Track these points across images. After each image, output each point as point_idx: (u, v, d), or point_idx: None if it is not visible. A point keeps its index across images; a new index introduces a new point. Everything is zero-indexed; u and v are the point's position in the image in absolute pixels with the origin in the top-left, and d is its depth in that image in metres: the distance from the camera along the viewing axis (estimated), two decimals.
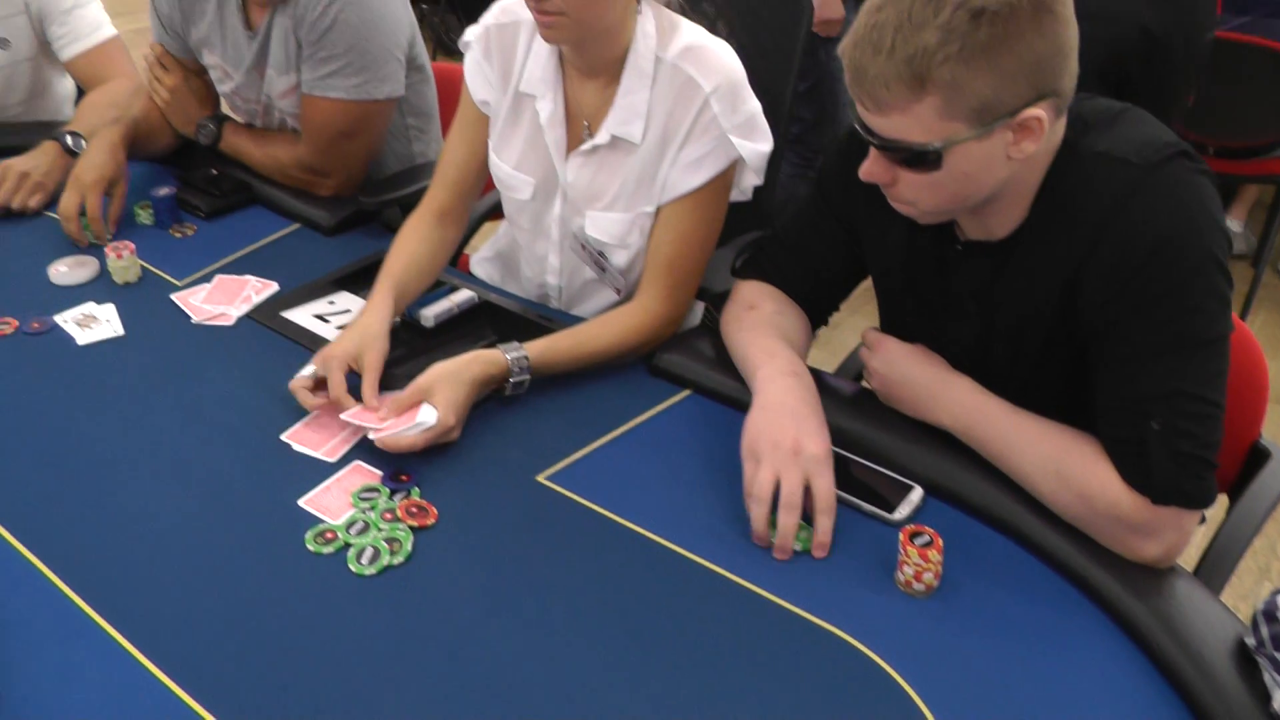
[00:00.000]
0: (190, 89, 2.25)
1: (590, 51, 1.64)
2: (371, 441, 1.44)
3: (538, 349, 1.56)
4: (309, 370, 1.55)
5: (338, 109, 2.06)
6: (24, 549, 1.32)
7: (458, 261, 2.18)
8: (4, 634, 1.20)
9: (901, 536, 1.25)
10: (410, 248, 1.77)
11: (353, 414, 1.47)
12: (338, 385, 1.50)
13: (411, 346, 1.68)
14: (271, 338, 1.74)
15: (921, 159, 1.24)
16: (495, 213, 2.29)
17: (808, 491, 1.31)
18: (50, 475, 1.45)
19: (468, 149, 1.82)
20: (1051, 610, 1.23)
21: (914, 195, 1.30)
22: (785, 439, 1.33)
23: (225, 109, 2.33)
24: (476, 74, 1.78)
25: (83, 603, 1.24)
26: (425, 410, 1.43)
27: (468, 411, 1.48)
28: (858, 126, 1.28)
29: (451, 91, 2.33)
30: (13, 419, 1.56)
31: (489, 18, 1.76)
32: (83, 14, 2.45)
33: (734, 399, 1.55)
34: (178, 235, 2.08)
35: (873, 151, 1.29)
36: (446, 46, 6.00)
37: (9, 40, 2.44)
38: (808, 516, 1.31)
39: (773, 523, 1.31)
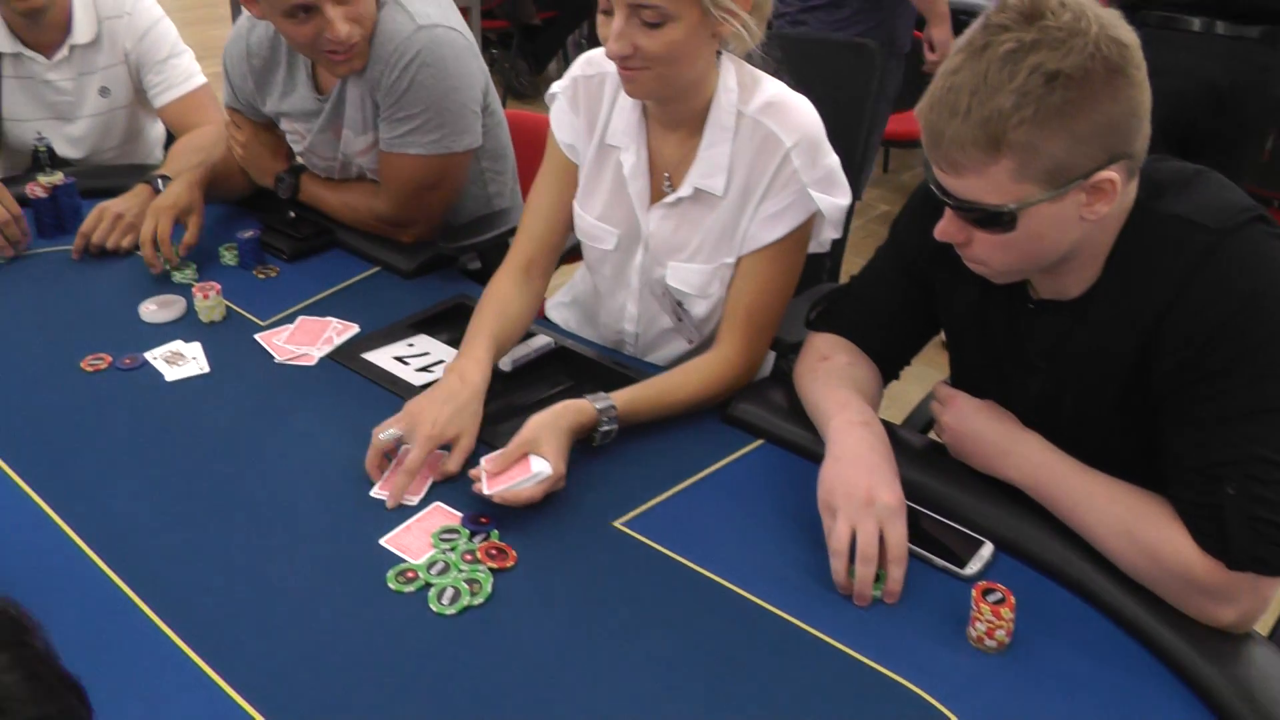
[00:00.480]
0: (263, 143, 2.32)
1: (673, 105, 1.68)
2: (450, 482, 1.48)
3: (624, 399, 1.59)
4: (391, 433, 1.54)
5: (417, 164, 2.11)
6: (116, 578, 1.36)
7: None
8: (97, 662, 1.23)
9: (974, 593, 1.25)
10: (501, 308, 1.78)
11: (494, 486, 1.45)
12: (414, 462, 1.50)
13: (490, 390, 1.72)
14: (352, 378, 1.78)
15: (996, 220, 1.26)
16: (570, 257, 2.34)
17: (882, 541, 1.33)
18: (142, 507, 1.50)
19: (553, 200, 1.85)
20: (1124, 673, 1.23)
21: (988, 255, 1.32)
22: (859, 490, 1.36)
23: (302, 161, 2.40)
24: (564, 123, 1.82)
25: (170, 631, 1.28)
26: (537, 462, 1.45)
27: (567, 461, 1.50)
28: (932, 186, 1.31)
29: (522, 137, 2.40)
30: (106, 452, 1.62)
31: (575, 70, 1.81)
32: (176, 63, 2.56)
33: (807, 450, 1.57)
34: (261, 276, 2.14)
35: (948, 211, 1.32)
36: (517, 91, 6.09)
37: (109, 88, 2.56)
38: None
39: (851, 572, 1.33)
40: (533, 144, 2.36)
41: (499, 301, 1.79)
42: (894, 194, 5.07)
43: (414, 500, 1.49)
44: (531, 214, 1.87)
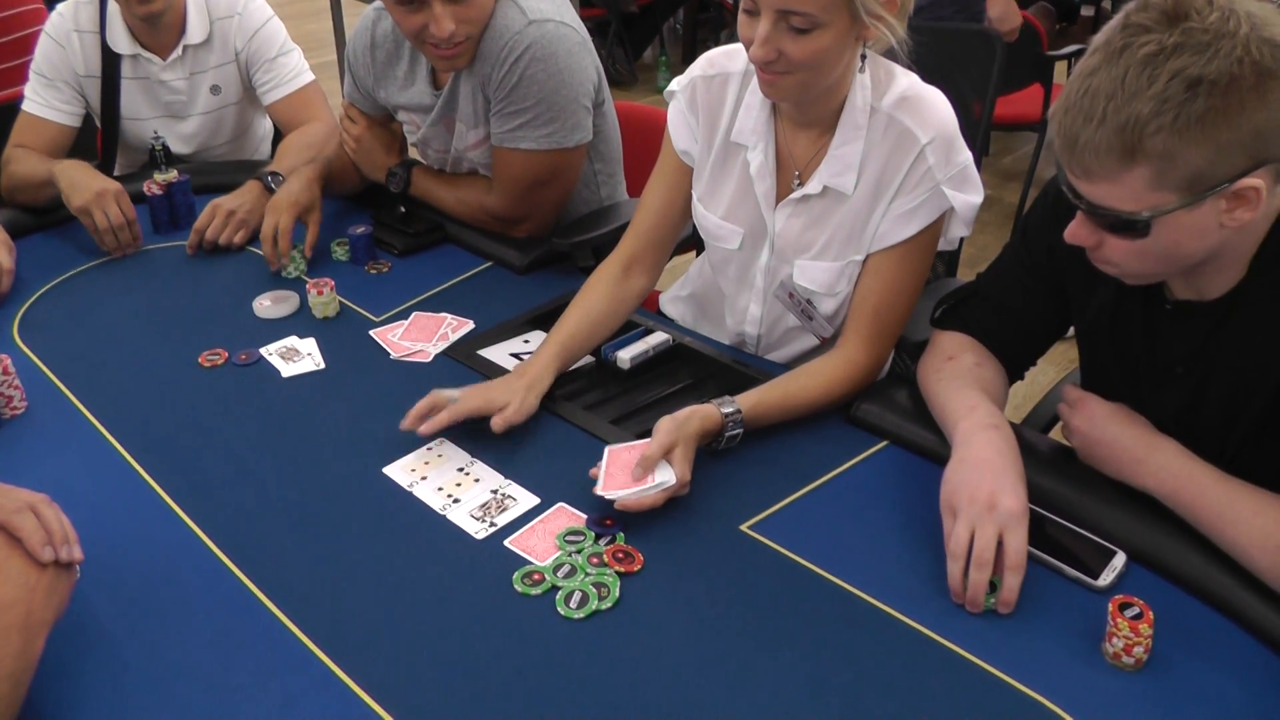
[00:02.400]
0: (376, 138, 2.36)
1: (809, 105, 1.67)
2: (573, 484, 1.50)
3: (749, 403, 1.59)
4: (451, 393, 1.64)
5: (529, 160, 2.13)
6: (241, 573, 1.40)
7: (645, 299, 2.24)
8: (226, 658, 1.28)
9: (1110, 607, 1.23)
10: (588, 304, 1.82)
11: (611, 488, 1.48)
12: (454, 413, 1.61)
13: (607, 388, 1.74)
14: (468, 375, 1.80)
15: (1129, 227, 1.24)
16: (683, 248, 2.35)
17: (1001, 548, 1.31)
18: (264, 504, 1.53)
19: (664, 198, 1.87)
20: (1273, 696, 1.20)
21: (1119, 259, 1.30)
22: (981, 493, 1.34)
23: (415, 155, 2.44)
24: (680, 125, 1.83)
25: (297, 629, 1.31)
26: (661, 469, 1.47)
27: (692, 466, 1.51)
28: (1064, 189, 1.29)
29: (624, 127, 2.40)
30: (227, 447, 1.66)
31: (695, 70, 1.81)
32: (285, 61, 2.63)
33: (932, 452, 1.56)
34: (373, 272, 2.18)
35: (1079, 215, 1.30)
36: (614, 79, 6.13)
37: (220, 87, 2.63)
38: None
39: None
40: (630, 133, 2.38)
41: (585, 305, 1.82)
42: (995, 178, 5.02)
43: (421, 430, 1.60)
44: (641, 210, 1.89)
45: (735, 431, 1.56)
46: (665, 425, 1.50)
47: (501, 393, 1.66)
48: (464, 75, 2.14)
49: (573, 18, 2.14)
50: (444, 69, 2.13)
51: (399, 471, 1.58)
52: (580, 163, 2.23)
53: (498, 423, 1.62)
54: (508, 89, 2.07)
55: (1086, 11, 5.88)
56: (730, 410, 1.56)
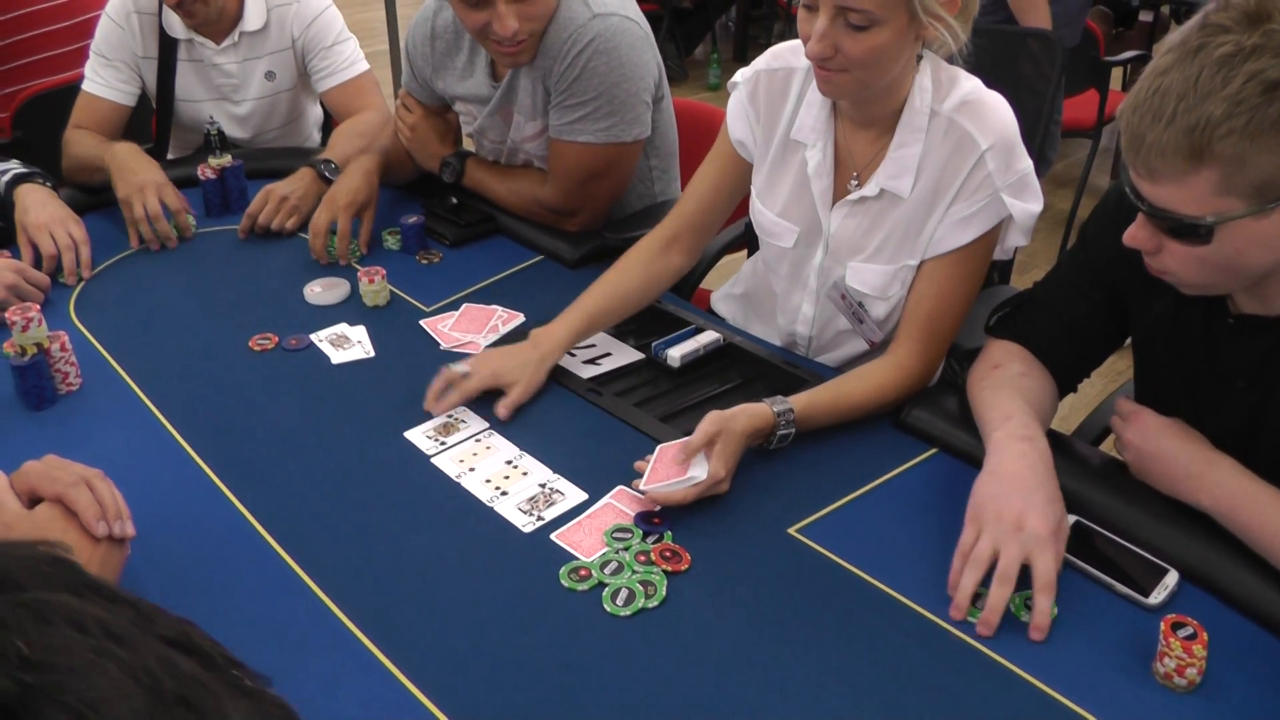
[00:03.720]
0: (431, 127, 2.38)
1: (867, 105, 1.67)
2: (620, 477, 1.51)
3: (801, 403, 1.58)
4: (461, 368, 1.71)
5: (587, 153, 2.14)
6: (289, 557, 1.42)
7: (693, 295, 2.24)
8: (271, 639, 1.29)
9: (1163, 626, 1.22)
10: (619, 278, 1.86)
11: (653, 482, 1.48)
12: (464, 392, 1.68)
13: (657, 385, 1.74)
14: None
15: (1191, 232, 1.22)
16: (734, 246, 2.35)
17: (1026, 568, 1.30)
18: (313, 489, 1.55)
19: (713, 183, 1.89)
20: None
21: (1178, 267, 1.28)
22: (1009, 512, 1.33)
23: (469, 145, 2.45)
24: (739, 115, 1.83)
25: (343, 615, 1.32)
26: (697, 463, 1.47)
27: (736, 465, 1.51)
28: (1127, 189, 1.27)
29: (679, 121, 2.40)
30: (277, 431, 1.68)
31: (760, 63, 1.82)
32: (341, 50, 2.65)
33: (981, 460, 1.53)
34: (424, 262, 2.19)
35: (1140, 217, 1.28)
36: (666, 74, 6.14)
37: (275, 73, 2.67)
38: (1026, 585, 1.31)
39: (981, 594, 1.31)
40: (681, 130, 2.39)
41: (616, 279, 1.87)
42: (1047, 184, 4.96)
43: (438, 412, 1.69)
44: (689, 192, 1.91)
45: (787, 431, 1.56)
46: (711, 416, 1.51)
47: (511, 368, 1.71)
48: (525, 68, 2.15)
49: (636, 12, 2.15)
50: (506, 65, 2.15)
51: (447, 462, 1.59)
52: (636, 158, 2.24)
53: (503, 410, 1.67)
54: (569, 82, 2.08)
55: (1145, 17, 5.81)
56: (782, 409, 1.56)
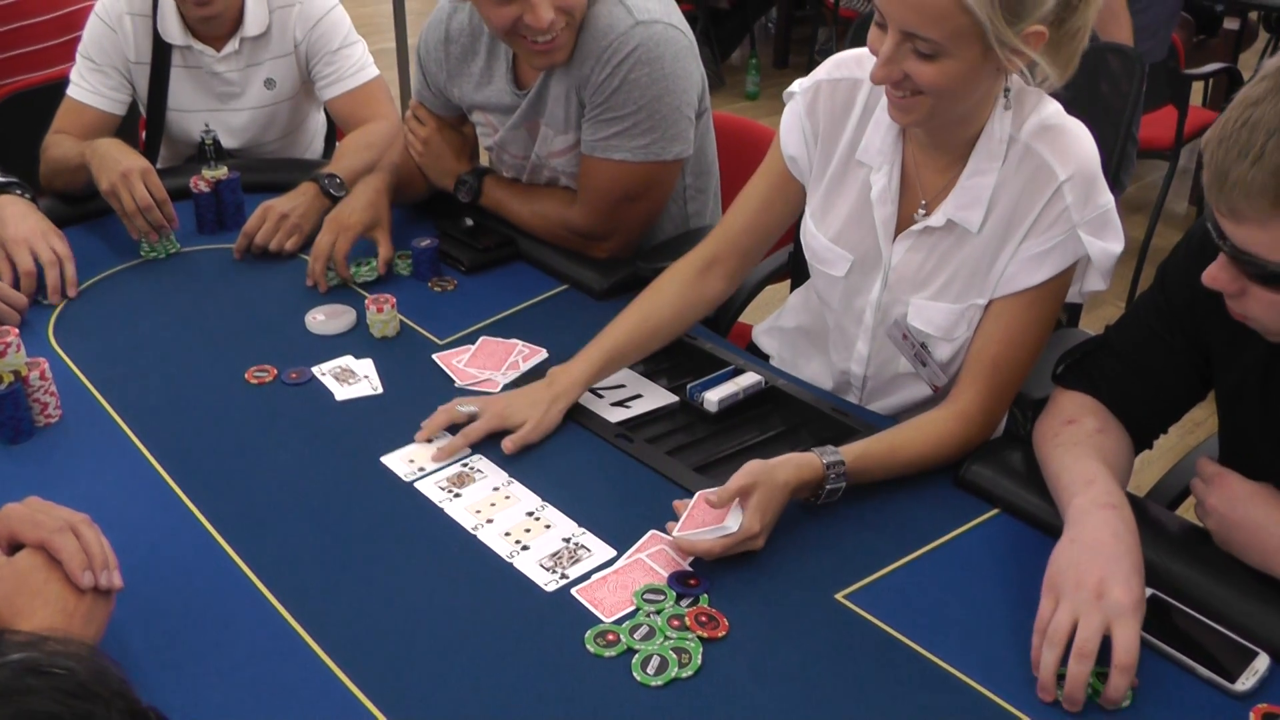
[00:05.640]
0: (445, 141, 2.41)
1: (942, 131, 1.69)
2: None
3: (853, 454, 1.59)
4: (469, 409, 1.75)
5: (622, 171, 2.16)
6: (284, 610, 1.43)
7: (731, 330, 2.26)
8: (271, 705, 1.31)
9: (1253, 717, 1.23)
10: (651, 305, 1.89)
11: (685, 530, 1.51)
12: (469, 436, 1.72)
13: (692, 431, 1.76)
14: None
15: (1277, 279, 1.23)
16: (777, 276, 2.37)
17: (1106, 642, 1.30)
18: (313, 538, 1.57)
19: (761, 200, 1.91)
20: None
21: (1262, 314, 1.30)
22: (1090, 580, 1.33)
23: (486, 161, 2.48)
24: (794, 129, 1.85)
25: (346, 678, 1.34)
26: (733, 514, 1.49)
27: (776, 520, 1.53)
28: (1209, 226, 1.29)
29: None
30: (274, 474, 1.70)
31: (821, 72, 1.83)
32: (349, 54, 2.68)
33: (1048, 524, 1.56)
34: (437, 289, 2.22)
35: (1222, 256, 1.29)
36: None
37: (275, 80, 2.70)
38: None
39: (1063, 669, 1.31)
40: (718, 145, 2.41)
41: (647, 307, 1.90)
42: (1120, 209, 4.94)
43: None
44: (735, 209, 1.93)
45: (836, 485, 1.58)
46: (750, 466, 1.52)
47: (521, 408, 1.75)
48: (556, 75, 2.18)
49: (680, 20, 2.17)
50: (540, 65, 2.16)
51: (463, 513, 1.61)
52: (675, 179, 2.26)
53: (509, 445, 1.71)
54: (607, 93, 2.11)
55: (1230, 24, 5.73)
56: (833, 460, 1.57)
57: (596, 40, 2.09)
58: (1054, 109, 1.67)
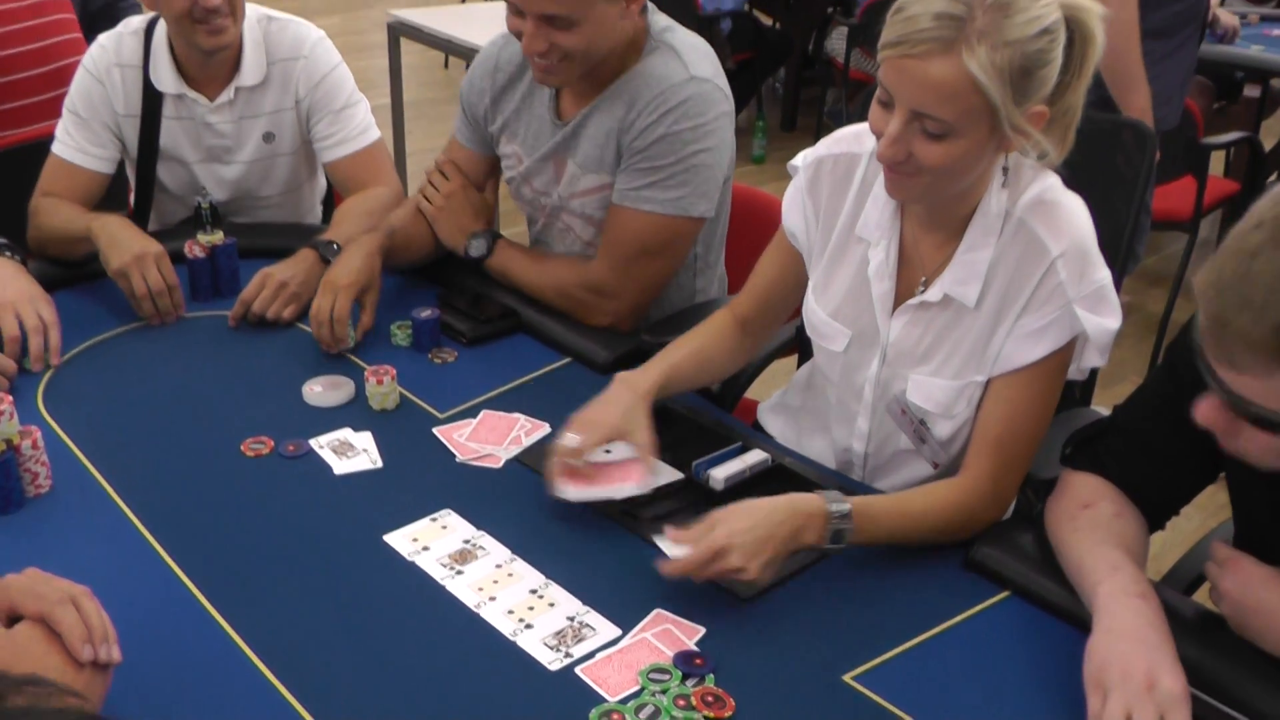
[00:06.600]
0: (467, 199, 2.48)
1: (939, 207, 1.76)
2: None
3: (858, 500, 1.65)
4: (574, 441, 1.80)
5: (648, 223, 2.24)
6: (285, 690, 1.47)
7: (736, 406, 2.32)
8: None
9: None
10: (704, 341, 2.00)
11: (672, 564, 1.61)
12: (582, 451, 1.79)
13: (698, 509, 1.80)
14: (543, 485, 1.84)
15: (1273, 426, 1.27)
16: (783, 351, 2.43)
17: None
18: (312, 616, 1.61)
19: (778, 271, 2.01)
20: None
21: (1258, 453, 1.33)
22: (1137, 670, 1.37)
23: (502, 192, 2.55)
24: (794, 205, 1.93)
25: None
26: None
27: (766, 556, 1.58)
28: (1200, 368, 1.31)
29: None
30: (270, 548, 1.74)
31: (822, 147, 1.91)
32: (352, 114, 2.72)
33: (1060, 607, 1.61)
34: (437, 361, 2.26)
35: (1216, 397, 1.32)
36: None
37: (274, 134, 2.73)
38: None
39: None
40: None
41: (702, 341, 2.01)
42: (1138, 282, 5.02)
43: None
44: (757, 274, 2.04)
45: (843, 526, 1.63)
46: (735, 510, 1.63)
47: (620, 415, 1.84)
48: (598, 114, 2.27)
49: (726, 86, 2.28)
50: (538, 79, 2.27)
51: (465, 590, 1.66)
52: (693, 240, 2.34)
53: (645, 480, 1.81)
54: (649, 141, 2.20)
55: (1251, 91, 5.74)
56: (839, 510, 1.63)
57: (649, 87, 2.20)
58: (1051, 183, 1.73)
